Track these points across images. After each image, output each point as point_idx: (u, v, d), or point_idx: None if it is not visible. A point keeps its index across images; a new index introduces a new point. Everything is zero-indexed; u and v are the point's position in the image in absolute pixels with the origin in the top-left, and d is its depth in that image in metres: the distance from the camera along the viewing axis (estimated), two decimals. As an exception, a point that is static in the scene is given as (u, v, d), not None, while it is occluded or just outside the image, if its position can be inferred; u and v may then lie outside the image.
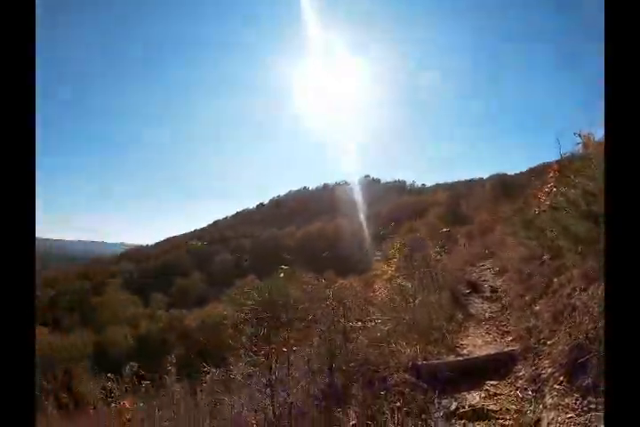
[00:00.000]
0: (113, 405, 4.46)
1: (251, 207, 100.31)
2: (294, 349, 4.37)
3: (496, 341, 5.17)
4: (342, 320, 4.49)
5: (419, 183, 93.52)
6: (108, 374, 4.95)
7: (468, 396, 3.87)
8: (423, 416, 3.64)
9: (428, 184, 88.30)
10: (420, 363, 4.38)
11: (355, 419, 3.50)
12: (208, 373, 4.89)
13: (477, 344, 5.12)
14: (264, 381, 3.95)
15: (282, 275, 4.72)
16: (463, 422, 3.52)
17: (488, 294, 7.12)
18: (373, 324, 4.78)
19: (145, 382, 4.83)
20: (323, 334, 4.51)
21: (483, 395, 3.86)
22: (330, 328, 4.48)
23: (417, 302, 6.28)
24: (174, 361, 5.09)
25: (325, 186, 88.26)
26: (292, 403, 3.79)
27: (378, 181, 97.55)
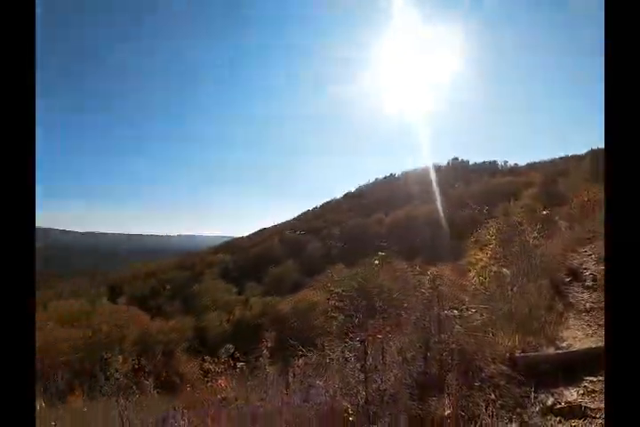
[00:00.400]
0: (209, 384, 4.72)
1: (338, 197, 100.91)
2: (389, 336, 4.38)
3: (597, 334, 4.86)
4: (437, 308, 4.42)
5: (511, 163, 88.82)
6: (206, 356, 5.23)
7: (566, 392, 3.72)
8: (518, 410, 3.54)
9: (521, 164, 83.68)
10: (517, 355, 4.24)
11: (449, 409, 3.47)
12: (301, 357, 5.01)
13: (577, 337, 4.85)
14: (358, 366, 4.00)
15: (376, 262, 4.72)
16: (559, 418, 3.39)
17: (590, 282, 6.66)
18: (469, 313, 4.65)
19: (240, 364, 5.03)
20: (417, 322, 4.48)
21: (580, 391, 3.70)
22: (424, 316, 4.44)
23: (514, 290, 6.04)
24: (268, 345, 5.27)
25: (413, 171, 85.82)
26: (385, 390, 3.83)
27: (467, 162, 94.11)
